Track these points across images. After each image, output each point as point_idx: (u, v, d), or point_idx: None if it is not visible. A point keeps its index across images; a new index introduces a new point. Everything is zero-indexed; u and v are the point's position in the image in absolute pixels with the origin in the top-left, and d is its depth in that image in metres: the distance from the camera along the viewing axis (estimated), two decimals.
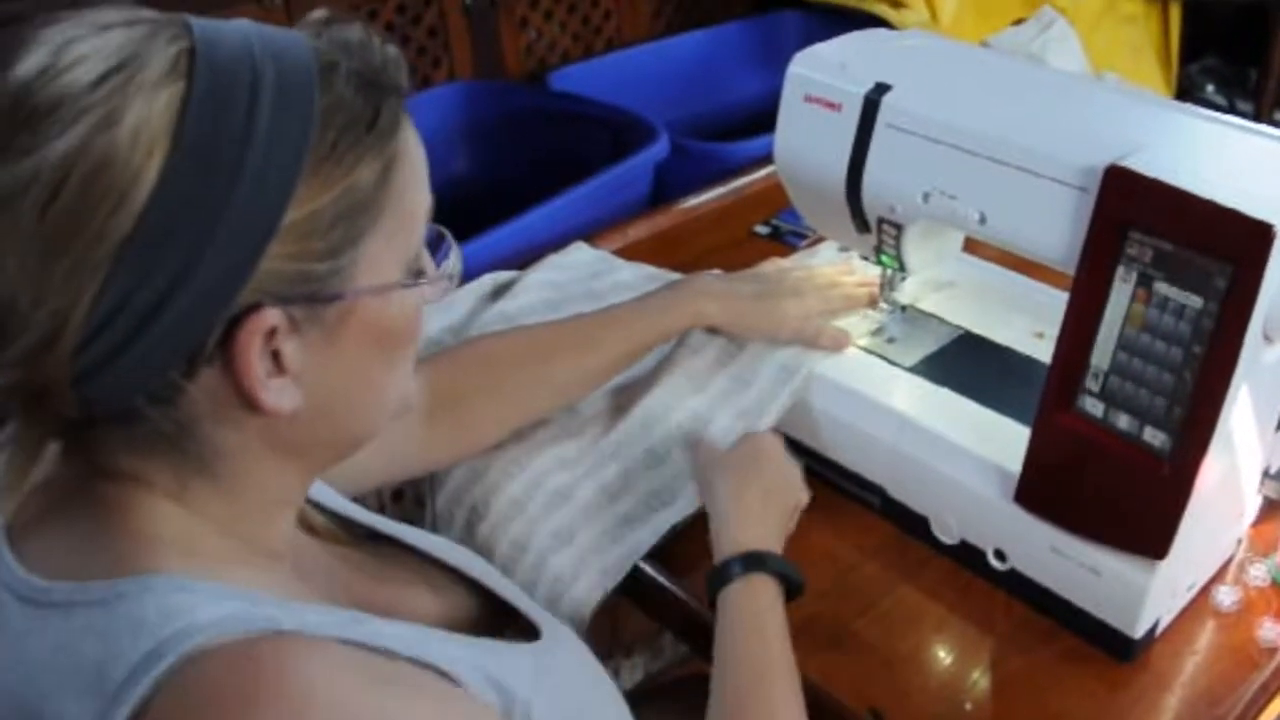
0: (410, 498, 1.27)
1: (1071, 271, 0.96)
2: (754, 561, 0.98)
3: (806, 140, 1.17)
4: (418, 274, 0.72)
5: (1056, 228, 0.98)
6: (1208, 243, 0.87)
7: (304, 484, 0.77)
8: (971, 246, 1.31)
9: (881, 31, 1.28)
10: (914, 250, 1.17)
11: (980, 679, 1.02)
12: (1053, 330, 0.99)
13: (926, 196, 1.08)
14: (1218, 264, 0.87)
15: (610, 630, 1.22)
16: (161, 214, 0.59)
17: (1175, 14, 2.94)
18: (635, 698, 0.94)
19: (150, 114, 0.59)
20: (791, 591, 0.99)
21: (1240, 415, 0.95)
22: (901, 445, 1.13)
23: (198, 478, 0.69)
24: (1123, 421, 0.95)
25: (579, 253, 1.54)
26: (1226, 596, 1.07)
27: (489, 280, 1.45)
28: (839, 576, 1.12)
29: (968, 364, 1.22)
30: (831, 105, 1.13)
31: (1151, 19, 2.93)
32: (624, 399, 1.25)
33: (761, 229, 1.70)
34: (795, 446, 1.18)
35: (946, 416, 1.13)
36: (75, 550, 0.67)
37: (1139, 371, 0.93)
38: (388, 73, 0.68)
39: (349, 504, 0.92)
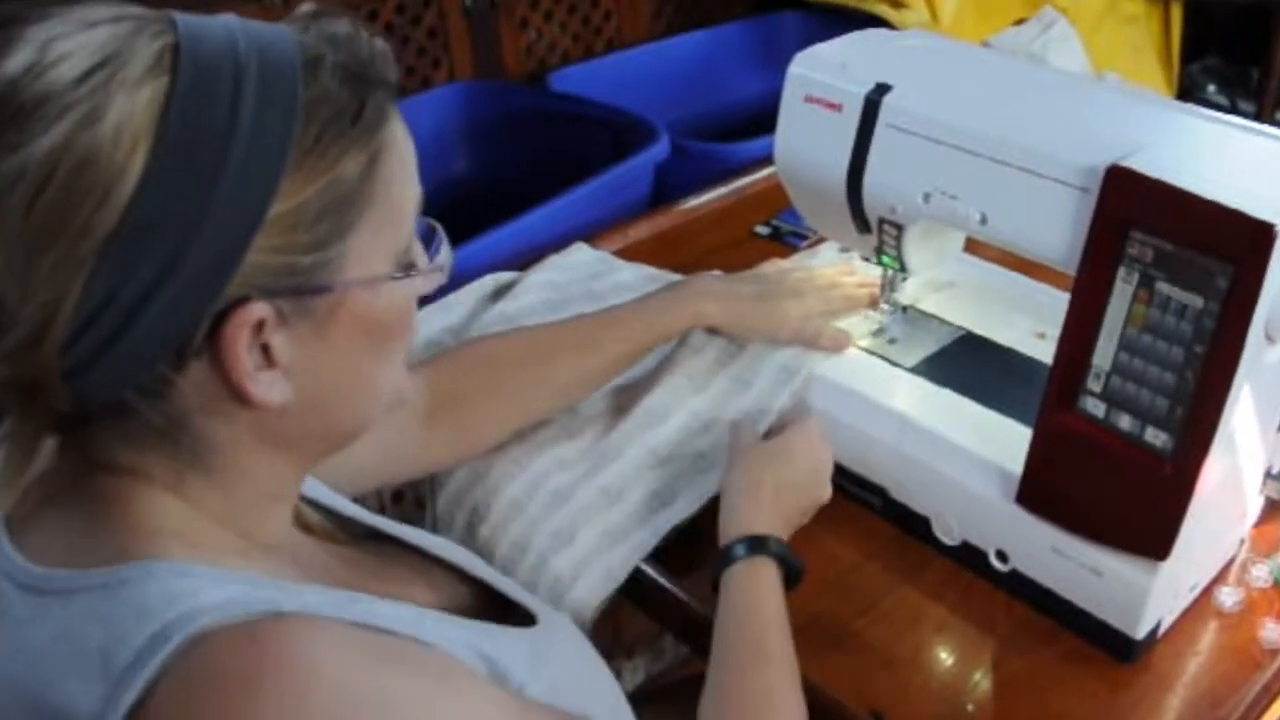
0: (410, 499, 1.26)
1: (1073, 272, 0.96)
2: (756, 545, 0.99)
3: (807, 141, 1.16)
4: (408, 267, 0.72)
5: (1058, 228, 0.98)
6: (1209, 243, 0.87)
7: (297, 477, 0.77)
8: (972, 247, 1.31)
9: (882, 32, 1.28)
10: (915, 251, 1.17)
11: (981, 680, 1.01)
12: (1054, 331, 0.99)
13: (927, 197, 1.08)
14: (1219, 264, 0.86)
15: (612, 631, 1.22)
16: (146, 209, 0.60)
17: (1176, 14, 2.94)
18: (637, 699, 0.94)
19: (133, 110, 0.60)
20: (791, 578, 1.00)
21: (1242, 415, 0.95)
22: (903, 446, 1.13)
23: (192, 470, 0.69)
24: (1124, 422, 0.95)
25: (579, 253, 1.54)
26: (1229, 597, 1.07)
27: (489, 281, 1.45)
28: (840, 577, 1.12)
29: (969, 365, 1.21)
30: (832, 105, 1.13)
31: (1153, 19, 2.93)
32: (624, 399, 1.24)
33: (762, 230, 1.70)
34: None
35: (948, 417, 1.13)
36: (75, 540, 0.68)
37: (1140, 372, 0.93)
38: (374, 66, 0.69)
39: (346, 502, 0.92)
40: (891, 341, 1.25)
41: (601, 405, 1.25)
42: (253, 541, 0.72)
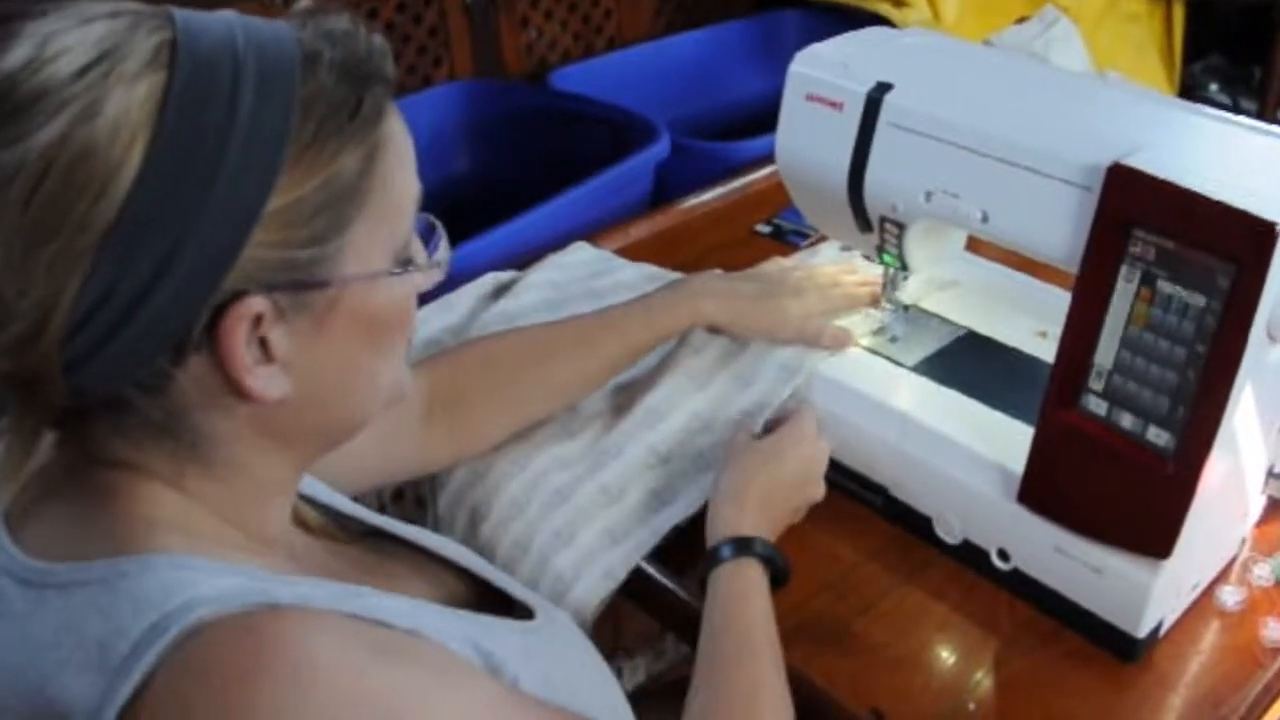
0: (411, 498, 1.26)
1: (1074, 270, 0.96)
2: (741, 546, 1.00)
3: (808, 139, 1.16)
4: (407, 262, 0.73)
5: (1059, 226, 0.98)
6: (1211, 241, 0.86)
7: (296, 472, 0.78)
8: (974, 245, 1.31)
9: (883, 30, 1.27)
10: (916, 249, 1.17)
11: (983, 679, 1.01)
12: (1056, 329, 0.99)
13: (929, 195, 1.08)
14: (1221, 263, 0.86)
15: (612, 631, 1.22)
16: (143, 203, 0.60)
17: (1178, 12, 2.93)
18: (637, 698, 0.94)
19: (130, 104, 0.60)
20: (778, 578, 1.01)
21: (1244, 414, 0.94)
22: (904, 445, 1.13)
23: (191, 465, 0.70)
24: (1126, 421, 0.95)
25: (580, 252, 1.54)
26: (1230, 596, 1.07)
27: (490, 280, 1.45)
28: (841, 576, 1.11)
29: (970, 363, 1.21)
30: (833, 104, 1.13)
31: (1155, 17, 2.92)
32: (625, 398, 1.24)
33: (763, 228, 1.70)
34: None
35: (949, 416, 1.13)
36: (74, 534, 0.68)
37: (1142, 370, 0.93)
38: (372, 62, 0.69)
39: (345, 500, 0.92)
40: (893, 340, 1.25)
41: (602, 404, 1.25)
42: (251, 536, 0.73)
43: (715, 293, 1.20)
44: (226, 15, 0.67)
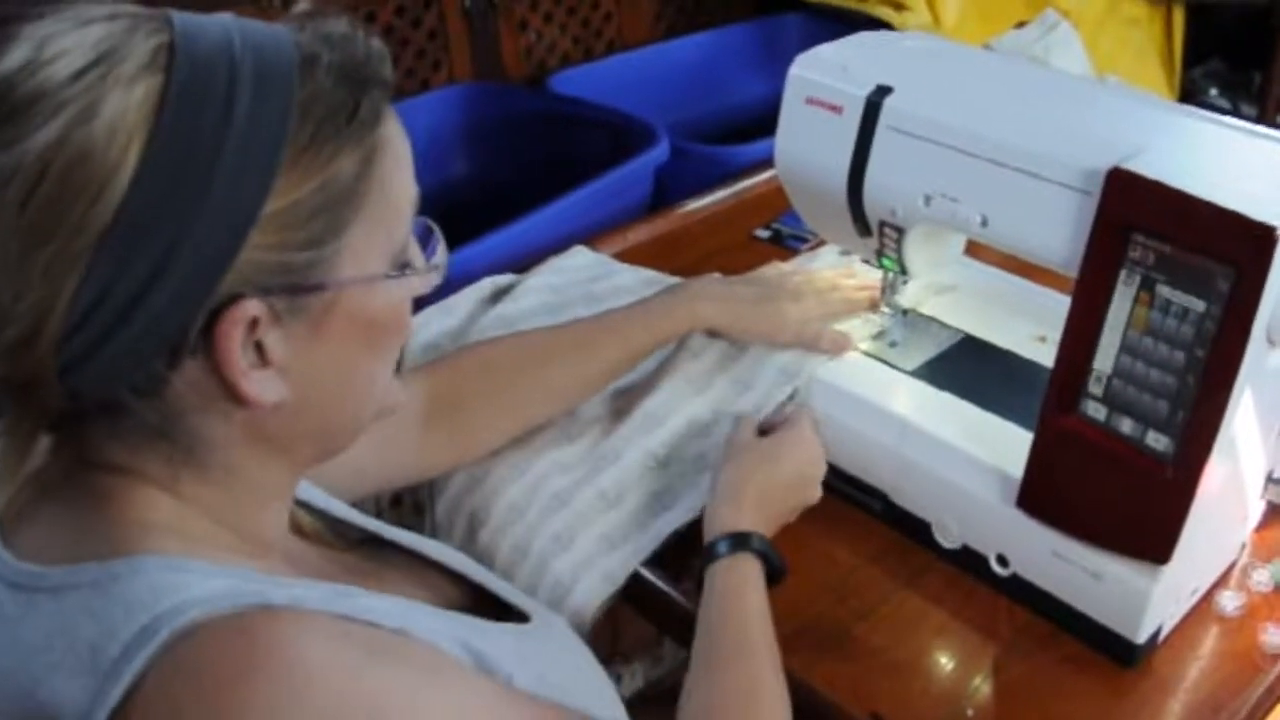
0: (409, 504, 1.26)
1: (1074, 275, 0.96)
2: (738, 542, 1.01)
3: (807, 143, 1.16)
4: (404, 266, 0.73)
5: (1059, 231, 0.98)
6: (1210, 246, 0.86)
7: (293, 477, 0.78)
8: (973, 250, 1.31)
9: (883, 34, 1.27)
10: (915, 254, 1.17)
11: (982, 684, 1.01)
12: (1055, 334, 0.99)
13: (928, 199, 1.08)
14: (1220, 267, 0.86)
15: (610, 636, 1.22)
16: (140, 206, 0.60)
17: (1179, 17, 2.93)
18: (635, 704, 0.94)
19: (127, 107, 0.60)
20: (773, 576, 1.01)
21: (1243, 419, 0.94)
22: (903, 450, 1.12)
23: (186, 468, 0.70)
24: (1125, 425, 0.95)
25: (579, 256, 1.54)
26: (1230, 602, 1.06)
27: (488, 284, 1.45)
28: (840, 581, 1.11)
29: (969, 368, 1.21)
30: (833, 108, 1.12)
31: (1155, 22, 2.92)
32: (623, 403, 1.24)
33: (762, 233, 1.70)
34: None
35: (948, 421, 1.13)
36: (67, 537, 0.68)
37: (1142, 375, 0.93)
38: (370, 65, 0.69)
39: (340, 505, 0.92)
40: (892, 345, 1.25)
41: (600, 409, 1.25)
42: (246, 540, 0.73)
43: (714, 296, 1.20)
44: (224, 18, 0.67)
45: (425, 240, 0.77)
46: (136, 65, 0.61)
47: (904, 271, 1.20)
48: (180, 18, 0.65)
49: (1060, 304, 0.98)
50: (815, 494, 1.11)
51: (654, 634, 1.25)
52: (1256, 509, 1.12)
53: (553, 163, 2.17)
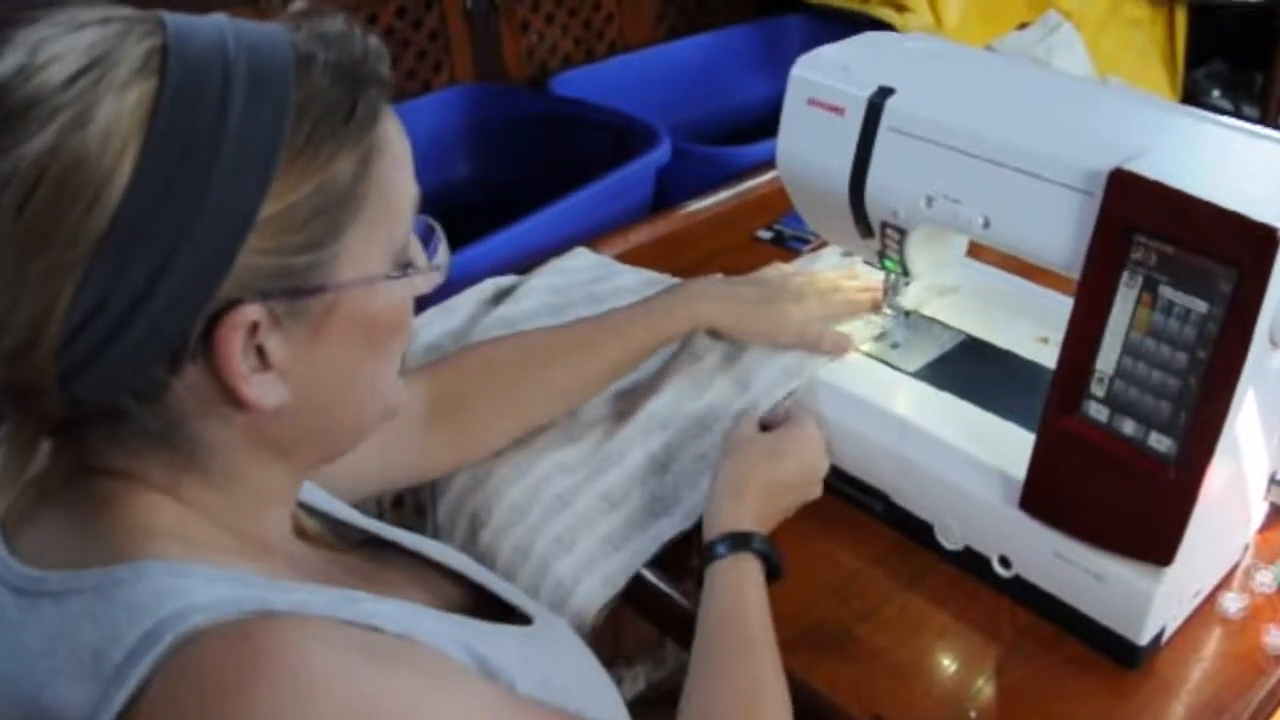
0: (410, 505, 1.26)
1: (1076, 276, 0.96)
2: (740, 542, 1.00)
3: (809, 144, 1.16)
4: (405, 266, 0.72)
5: (1061, 232, 0.98)
6: (1213, 247, 0.86)
7: (296, 481, 0.77)
8: (975, 251, 1.31)
9: (885, 35, 1.27)
10: (917, 255, 1.17)
11: (984, 686, 1.01)
12: (1057, 335, 0.99)
13: (930, 201, 1.07)
14: (1223, 268, 0.86)
15: (612, 639, 1.22)
16: (136, 212, 0.60)
17: (1181, 18, 2.93)
18: (637, 707, 0.94)
19: (121, 112, 0.60)
20: (771, 573, 1.01)
21: (1246, 420, 0.94)
22: (905, 451, 1.12)
23: (188, 473, 0.69)
24: (1128, 427, 0.95)
25: (580, 258, 1.54)
26: (1233, 603, 1.06)
27: (490, 285, 1.44)
28: (842, 582, 1.11)
29: (971, 369, 1.21)
30: (835, 109, 1.12)
31: (1157, 23, 2.92)
32: (626, 404, 1.24)
33: (764, 234, 1.70)
34: None
35: (950, 422, 1.12)
36: (69, 542, 0.68)
37: (1144, 376, 0.93)
38: (367, 64, 0.68)
39: (342, 507, 0.92)
40: (894, 346, 1.25)
41: (603, 410, 1.24)
42: (249, 543, 0.72)
43: (716, 296, 1.20)
44: (217, 19, 0.67)
45: (427, 239, 0.76)
46: (130, 70, 0.61)
47: (906, 273, 1.20)
48: (173, 19, 0.65)
49: (1062, 305, 0.98)
50: (816, 491, 1.11)
51: (656, 636, 1.25)
52: (1259, 510, 1.12)
53: (554, 164, 2.17)
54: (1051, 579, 1.04)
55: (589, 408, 1.24)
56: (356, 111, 0.66)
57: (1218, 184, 0.87)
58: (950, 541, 1.11)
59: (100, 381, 0.62)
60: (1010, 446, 1.06)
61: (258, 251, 0.63)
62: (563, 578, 1.09)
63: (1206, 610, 1.07)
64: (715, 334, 1.23)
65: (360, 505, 0.96)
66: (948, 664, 1.03)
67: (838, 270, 1.33)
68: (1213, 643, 1.04)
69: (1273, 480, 1.09)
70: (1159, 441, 0.93)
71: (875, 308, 1.27)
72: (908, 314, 1.28)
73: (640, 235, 1.68)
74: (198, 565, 0.66)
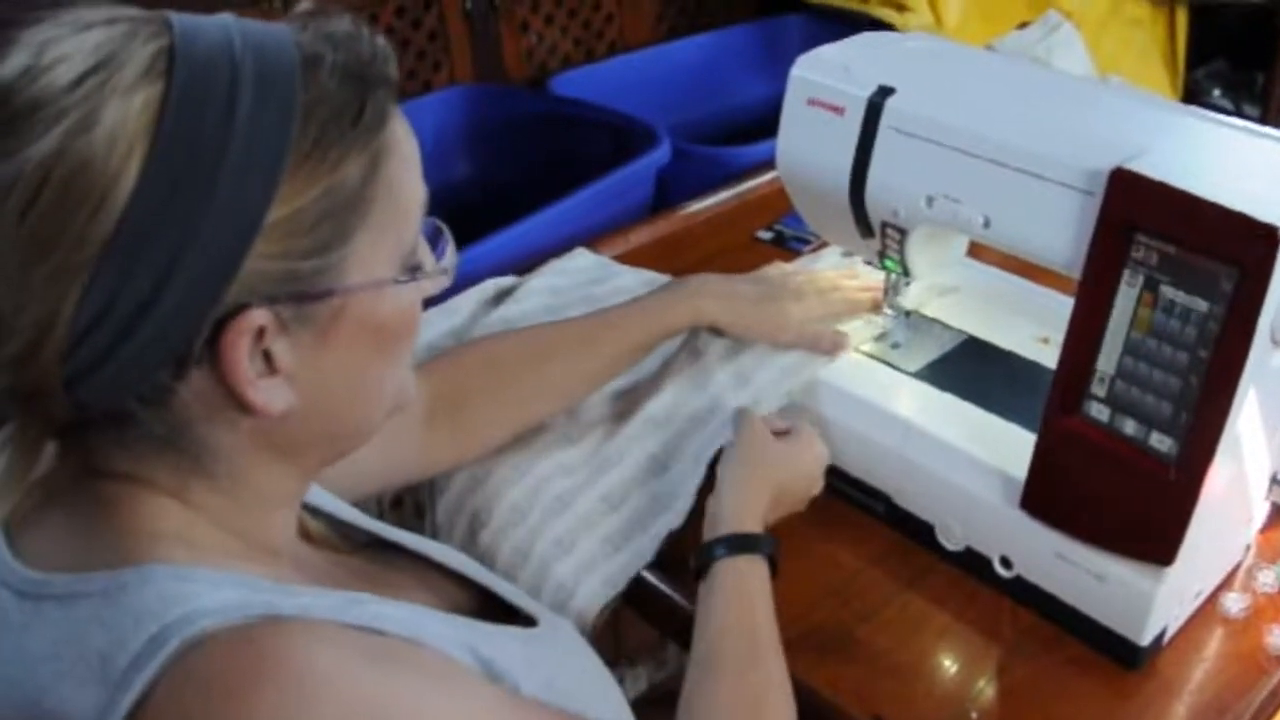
0: (410, 506, 1.26)
1: (1077, 275, 0.96)
2: (748, 543, 0.99)
3: (809, 144, 1.16)
4: (414, 269, 0.71)
5: (1062, 231, 0.97)
6: (1214, 246, 0.86)
7: (301, 484, 0.77)
8: (976, 251, 1.30)
9: (885, 34, 1.27)
10: (918, 255, 1.16)
11: (985, 687, 1.01)
12: (1058, 335, 0.98)
13: (930, 200, 1.07)
14: (1224, 267, 0.86)
15: (613, 640, 1.21)
16: (142, 216, 0.59)
17: (1182, 18, 2.92)
18: (639, 707, 0.93)
19: (127, 115, 0.59)
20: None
21: (1248, 420, 0.94)
22: (906, 451, 1.12)
23: (195, 477, 0.69)
24: (1129, 427, 0.95)
25: (580, 258, 1.54)
26: (1235, 603, 1.06)
27: (490, 286, 1.44)
28: (843, 583, 1.11)
29: (972, 369, 1.21)
30: (835, 109, 1.12)
31: (1158, 23, 2.92)
32: (626, 405, 1.24)
33: (764, 234, 1.70)
34: None
35: (951, 422, 1.12)
36: (74, 545, 0.67)
37: (1145, 376, 0.92)
38: (375, 65, 0.68)
39: (346, 508, 0.92)
40: (895, 346, 1.24)
41: (603, 410, 1.24)
42: (255, 546, 0.72)
43: (716, 293, 1.20)
44: (224, 19, 0.66)
45: (434, 240, 0.76)
46: (136, 72, 0.60)
47: (906, 273, 1.19)
48: (179, 20, 0.64)
49: (1063, 305, 0.98)
50: (802, 506, 1.11)
51: (657, 637, 1.25)
52: (1261, 510, 1.12)
53: (554, 164, 2.17)
54: (1053, 579, 1.04)
55: (589, 408, 1.24)
56: (364, 113, 0.65)
57: (1219, 183, 0.87)
58: (951, 542, 1.11)
59: (106, 386, 0.62)
60: (1011, 447, 1.06)
61: (265, 256, 0.62)
62: (563, 580, 1.09)
63: (1208, 610, 1.07)
64: (716, 332, 1.23)
65: (360, 505, 0.96)
66: (949, 665, 1.03)
67: (838, 270, 1.33)
68: (1214, 643, 1.04)
69: (1274, 480, 1.09)
70: (1160, 441, 0.93)
71: (876, 308, 1.27)
72: (908, 314, 1.28)
73: (640, 236, 1.68)
74: (203, 569, 0.66)
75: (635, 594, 1.10)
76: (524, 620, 0.89)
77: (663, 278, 1.46)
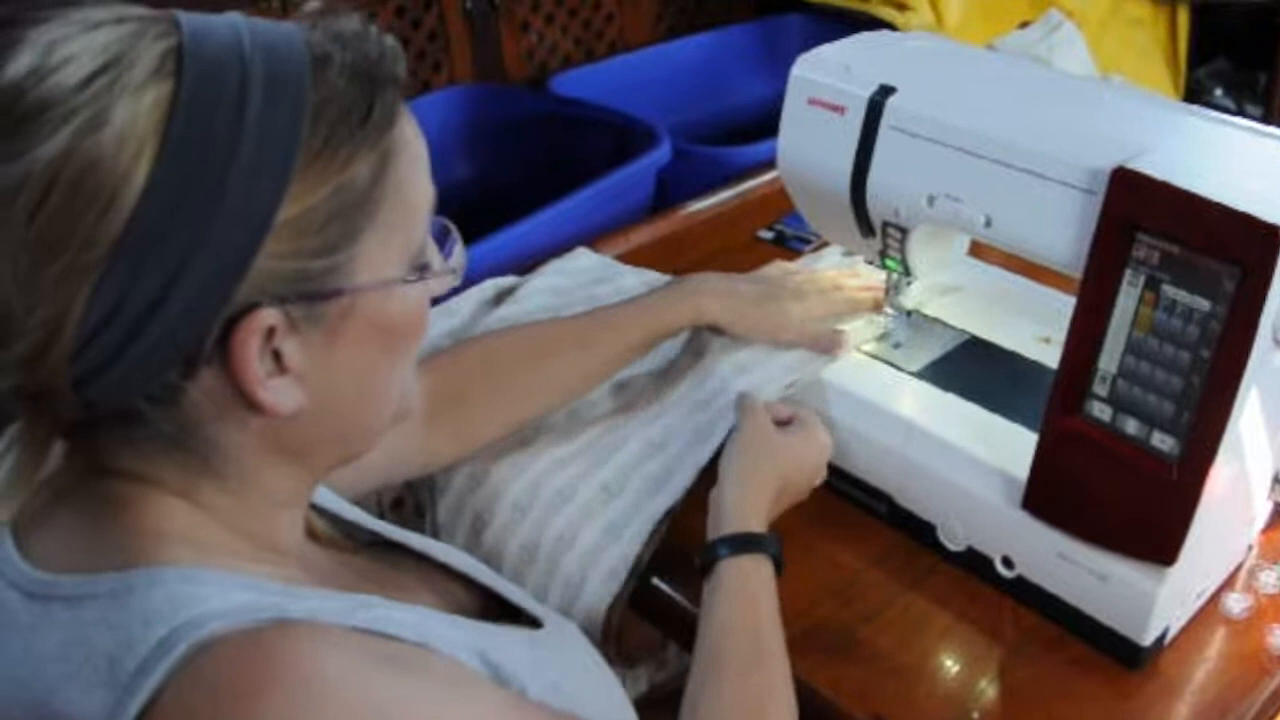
0: (410, 506, 1.26)
1: (1078, 275, 0.96)
2: (753, 542, 0.99)
3: (810, 143, 1.16)
4: (422, 268, 0.71)
5: (1063, 231, 0.97)
6: (1216, 245, 0.86)
7: (310, 484, 0.77)
8: (977, 250, 1.30)
9: (886, 34, 1.27)
10: (919, 254, 1.16)
11: (987, 687, 1.01)
12: (1059, 335, 0.98)
13: (931, 200, 1.07)
14: (1226, 267, 0.86)
15: (614, 640, 1.21)
16: (152, 216, 0.59)
17: (1183, 17, 2.92)
18: (639, 708, 0.93)
19: (137, 115, 0.59)
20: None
21: (1249, 419, 0.94)
22: (907, 451, 1.12)
23: (203, 477, 0.69)
24: (1131, 426, 0.94)
25: (581, 258, 1.54)
26: (1236, 603, 1.06)
27: (490, 286, 1.44)
28: (845, 583, 1.11)
29: (974, 369, 1.21)
30: (835, 108, 1.12)
31: (1159, 22, 2.92)
32: (626, 402, 1.24)
33: (765, 234, 1.69)
34: None
35: (952, 422, 1.12)
36: (82, 545, 0.67)
37: (1147, 375, 0.92)
38: (384, 65, 0.67)
39: (351, 508, 0.92)
40: (896, 346, 1.24)
41: (602, 408, 1.24)
42: (263, 547, 0.72)
43: (716, 292, 1.20)
44: (233, 18, 0.66)
45: (442, 240, 0.76)
46: (145, 71, 0.60)
47: (907, 272, 1.19)
48: (188, 19, 0.64)
49: (1065, 304, 0.98)
50: (805, 495, 1.11)
51: (658, 637, 1.25)
52: (1263, 510, 1.11)
53: (554, 164, 2.17)
54: (1054, 579, 1.04)
55: (589, 407, 1.23)
56: (374, 113, 0.65)
57: (1220, 183, 0.87)
58: (953, 542, 1.11)
59: (114, 385, 0.62)
60: (1013, 446, 1.06)
61: (274, 255, 0.62)
62: (570, 575, 1.09)
63: (1210, 611, 1.07)
64: (716, 331, 1.22)
65: (360, 504, 0.96)
66: (951, 665, 1.03)
67: (839, 269, 1.33)
68: (1216, 643, 1.04)
69: (1276, 480, 1.08)
70: (1162, 441, 0.93)
71: (877, 307, 1.26)
72: (909, 314, 1.28)
73: (641, 235, 1.68)
74: (211, 570, 0.65)
75: (637, 596, 1.10)
76: (529, 621, 0.89)
77: (664, 278, 1.46)
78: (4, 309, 0.60)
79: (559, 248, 1.56)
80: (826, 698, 0.99)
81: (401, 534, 0.92)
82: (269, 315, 0.63)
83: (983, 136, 1.02)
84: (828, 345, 1.21)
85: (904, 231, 1.13)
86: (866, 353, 1.24)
